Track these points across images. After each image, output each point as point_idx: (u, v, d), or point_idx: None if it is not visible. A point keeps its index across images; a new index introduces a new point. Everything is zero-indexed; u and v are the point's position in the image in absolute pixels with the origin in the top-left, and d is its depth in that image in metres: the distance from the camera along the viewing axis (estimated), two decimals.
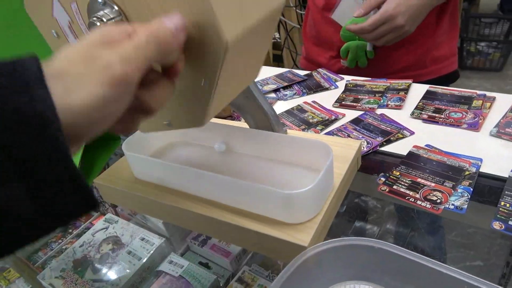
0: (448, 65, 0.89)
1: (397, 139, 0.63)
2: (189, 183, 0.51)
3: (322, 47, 0.96)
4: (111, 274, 0.71)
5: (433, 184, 0.52)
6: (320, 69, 0.93)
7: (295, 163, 0.54)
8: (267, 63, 2.19)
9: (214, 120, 0.68)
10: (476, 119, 0.64)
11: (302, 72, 0.93)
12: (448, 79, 0.91)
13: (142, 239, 0.78)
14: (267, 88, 0.86)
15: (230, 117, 0.76)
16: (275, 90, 0.85)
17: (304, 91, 0.84)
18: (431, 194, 0.51)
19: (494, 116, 0.64)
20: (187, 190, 0.52)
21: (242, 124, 0.65)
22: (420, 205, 0.50)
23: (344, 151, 0.54)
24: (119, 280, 0.71)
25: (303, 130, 0.69)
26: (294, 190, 0.41)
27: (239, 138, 0.58)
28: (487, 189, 0.51)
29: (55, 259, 0.79)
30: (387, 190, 0.53)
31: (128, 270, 0.71)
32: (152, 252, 0.74)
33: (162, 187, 0.54)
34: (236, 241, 0.52)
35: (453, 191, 0.51)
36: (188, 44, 0.30)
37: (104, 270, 0.73)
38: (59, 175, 0.21)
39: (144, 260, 0.72)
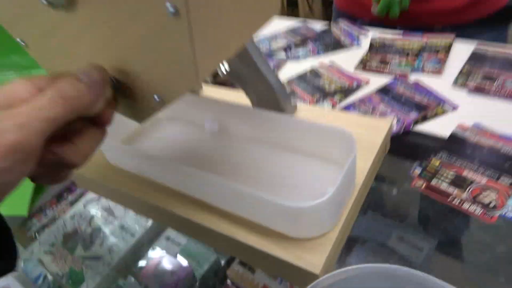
0: None
1: (435, 115, 0.50)
2: (171, 178, 0.40)
3: None
4: (103, 251, 0.64)
5: (484, 180, 0.40)
6: (340, 21, 0.78)
7: (305, 152, 0.42)
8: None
9: (208, 92, 0.55)
10: None
11: (318, 25, 0.78)
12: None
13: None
14: (275, 45, 0.72)
15: (224, 85, 0.64)
16: (285, 48, 0.71)
17: (320, 49, 0.69)
18: (483, 194, 0.39)
19: None
20: (169, 185, 0.41)
21: (239, 95, 0.53)
22: (467, 210, 0.38)
23: (370, 134, 0.42)
24: (110, 258, 0.65)
25: (317, 101, 0.57)
26: (304, 203, 0.30)
27: (235, 117, 0.46)
28: None
29: (47, 227, 0.73)
30: (423, 186, 0.41)
31: (120, 247, 0.64)
32: (147, 227, 0.67)
33: (141, 178, 0.43)
34: (230, 252, 0.42)
35: (511, 191, 0.39)
36: None
37: (96, 246, 0.66)
38: None
39: (138, 236, 0.64)
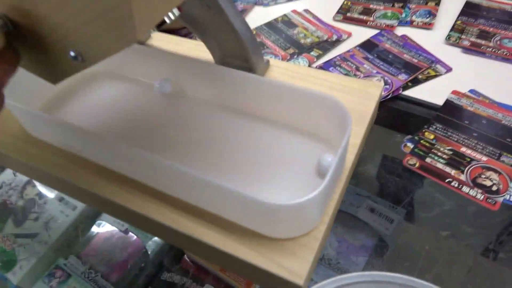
0: None
1: (427, 78, 0.43)
2: (110, 159, 0.31)
3: None
4: (39, 227, 0.56)
5: (484, 159, 0.35)
6: None
7: (282, 123, 0.34)
8: None
9: (158, 42, 0.44)
10: None
11: None
12: None
13: None
14: None
15: (177, 32, 0.53)
16: None
17: None
18: (483, 176, 0.34)
19: None
20: (107, 165, 0.32)
21: (197, 45, 0.43)
22: (467, 193, 0.33)
23: (359, 102, 0.35)
24: (48, 236, 0.57)
25: (291, 56, 0.48)
26: (287, 202, 0.23)
27: (194, 76, 0.37)
28: None
29: None
30: (417, 165, 0.35)
31: (59, 223, 0.56)
32: None
33: (69, 153, 0.34)
34: (191, 250, 0.35)
35: None
36: None
37: (30, 222, 0.57)
38: None
39: (81, 209, 0.56)
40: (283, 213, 0.24)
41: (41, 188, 0.61)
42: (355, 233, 0.42)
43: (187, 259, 0.47)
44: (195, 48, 0.43)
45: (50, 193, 0.60)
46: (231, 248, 0.26)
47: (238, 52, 0.36)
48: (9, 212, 0.59)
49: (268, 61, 0.39)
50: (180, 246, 0.39)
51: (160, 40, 0.44)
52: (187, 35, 0.51)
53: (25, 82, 0.32)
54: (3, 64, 0.20)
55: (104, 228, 0.54)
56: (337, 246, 0.42)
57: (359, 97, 0.35)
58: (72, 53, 0.20)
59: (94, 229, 0.54)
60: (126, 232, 0.55)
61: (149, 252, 0.52)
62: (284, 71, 0.39)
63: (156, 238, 0.52)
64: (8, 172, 0.63)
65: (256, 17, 0.55)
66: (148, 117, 0.37)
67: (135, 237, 0.54)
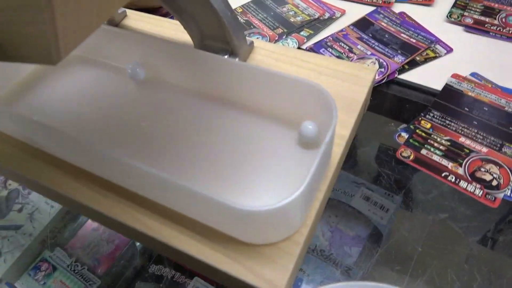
0: None
1: (426, 60, 0.40)
2: (76, 156, 0.28)
3: None
4: (22, 218, 0.53)
5: (485, 150, 0.32)
6: None
7: (264, 112, 0.31)
8: None
9: (131, 21, 0.41)
10: None
11: None
12: None
13: None
14: None
15: (153, 12, 0.49)
16: None
17: None
18: (482, 169, 0.31)
19: None
20: (73, 162, 0.29)
21: (173, 27, 0.39)
22: (465, 189, 0.30)
23: (349, 88, 0.32)
24: (32, 228, 0.54)
25: (280, 36, 0.44)
26: (265, 207, 0.20)
27: (171, 61, 0.33)
28: None
29: None
30: (411, 157, 0.33)
31: (45, 213, 0.53)
32: None
33: (30, 147, 0.31)
34: (163, 253, 0.32)
35: None
36: None
37: (13, 213, 0.54)
38: None
39: None
40: (261, 218, 0.21)
41: None
42: (349, 223, 0.40)
43: None
44: (176, 29, 0.39)
45: None
46: (205, 255, 0.24)
47: (218, 33, 0.33)
48: None
49: (252, 43, 0.36)
50: (155, 251, 0.37)
51: (136, 20, 0.40)
52: (167, 14, 0.47)
53: None
54: None
55: (89, 220, 0.52)
56: (330, 236, 0.40)
57: (350, 83, 0.32)
58: None
59: (80, 220, 0.52)
60: None
61: (136, 244, 0.50)
62: (270, 54, 0.36)
63: None
64: None
65: None
66: (119, 105, 0.34)
67: None
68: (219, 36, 0.33)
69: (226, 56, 0.33)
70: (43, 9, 0.14)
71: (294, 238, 0.24)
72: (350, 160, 0.37)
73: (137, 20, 0.40)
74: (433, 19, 0.44)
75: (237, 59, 0.33)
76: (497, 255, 0.29)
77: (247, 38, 0.35)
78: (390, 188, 0.35)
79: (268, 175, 0.28)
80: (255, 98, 0.31)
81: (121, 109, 0.34)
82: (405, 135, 0.34)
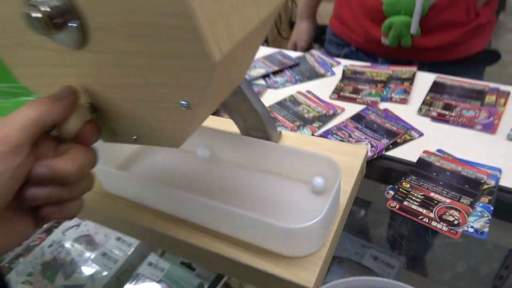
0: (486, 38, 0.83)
1: (404, 142, 0.56)
2: (167, 203, 0.43)
3: (355, 9, 0.86)
4: (85, 279, 0.63)
5: (448, 201, 0.46)
6: (313, 51, 0.84)
7: (293, 177, 0.46)
8: None
9: None
10: (491, 119, 0.57)
11: (294, 54, 0.84)
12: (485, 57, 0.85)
13: (118, 238, 0.71)
14: (255, 73, 0.77)
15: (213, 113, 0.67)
16: (264, 76, 0.76)
17: (297, 78, 0.75)
18: (447, 214, 0.45)
19: (510, 115, 0.58)
20: (166, 210, 0.44)
21: (227, 122, 0.56)
22: (436, 227, 0.44)
23: (349, 160, 0.47)
24: (93, 287, 0.64)
25: (298, 127, 0.61)
26: (299, 225, 0.34)
27: (226, 144, 0.50)
28: (509, 206, 0.45)
29: (22, 257, 0.71)
30: (397, 207, 0.46)
31: (103, 274, 0.64)
32: (129, 253, 0.67)
33: (137, 204, 0.46)
34: (227, 272, 0.45)
35: (471, 210, 0.45)
36: (163, 60, 0.21)
37: (77, 275, 0.65)
38: None
39: (121, 263, 0.65)
40: (298, 235, 0.35)
41: (87, 245, 0.70)
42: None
43: None
44: (226, 122, 0.56)
45: (94, 250, 0.69)
46: (261, 265, 0.37)
47: (258, 125, 0.50)
48: (58, 267, 0.67)
49: (280, 132, 0.52)
50: (224, 272, 0.49)
51: None
52: (214, 113, 0.66)
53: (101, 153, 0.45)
54: (92, 129, 0.30)
55: (141, 279, 0.62)
56: None
57: (350, 157, 0.47)
58: (134, 137, 0.33)
59: (132, 279, 0.61)
60: (160, 282, 0.63)
61: None
62: (293, 139, 0.52)
63: (186, 286, 0.61)
64: (57, 233, 0.73)
65: (269, 98, 0.70)
66: (193, 175, 0.49)
67: (168, 286, 0.62)
68: (258, 127, 0.50)
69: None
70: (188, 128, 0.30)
71: (318, 253, 0.37)
72: (360, 227, 0.50)
73: None
74: (408, 113, 0.61)
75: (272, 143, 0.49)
76: None
77: (277, 128, 0.51)
78: (394, 247, 0.46)
79: (294, 217, 0.42)
80: (287, 168, 0.46)
81: (194, 176, 0.49)
82: (392, 192, 0.48)
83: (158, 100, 0.26)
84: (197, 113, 0.26)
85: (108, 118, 0.33)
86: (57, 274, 0.65)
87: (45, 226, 0.79)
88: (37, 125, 0.26)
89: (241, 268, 0.38)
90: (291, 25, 2.37)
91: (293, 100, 0.68)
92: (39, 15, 0.22)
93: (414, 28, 0.75)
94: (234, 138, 0.49)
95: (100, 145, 0.36)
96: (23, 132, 0.25)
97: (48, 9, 0.23)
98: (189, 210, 0.42)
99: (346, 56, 0.91)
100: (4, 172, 0.24)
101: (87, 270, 0.64)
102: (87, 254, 0.67)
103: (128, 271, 0.65)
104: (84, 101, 0.31)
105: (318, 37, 1.11)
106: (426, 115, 0.60)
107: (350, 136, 0.58)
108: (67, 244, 0.70)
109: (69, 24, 0.24)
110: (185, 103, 0.25)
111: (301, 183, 0.45)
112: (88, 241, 0.71)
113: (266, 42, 2.10)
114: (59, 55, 0.28)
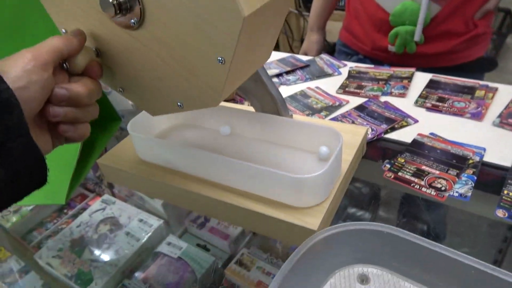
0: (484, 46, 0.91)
1: (401, 127, 0.63)
2: (196, 165, 0.51)
3: (364, 22, 0.95)
4: (109, 254, 0.70)
5: (437, 172, 0.53)
6: (323, 55, 0.93)
7: (302, 148, 0.54)
8: None
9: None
10: (479, 109, 0.64)
11: (305, 58, 0.93)
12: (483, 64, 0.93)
13: (140, 220, 0.77)
14: (269, 72, 0.85)
15: (233, 100, 0.76)
16: (278, 75, 0.85)
17: (307, 76, 0.83)
18: (436, 182, 0.51)
19: (496, 106, 0.65)
20: (193, 173, 0.51)
21: (245, 107, 0.64)
22: (425, 192, 0.50)
23: (351, 137, 0.54)
24: (117, 261, 0.71)
25: (307, 115, 0.69)
26: (305, 175, 0.41)
27: (244, 122, 0.58)
28: (490, 177, 0.52)
29: (51, 238, 0.78)
30: (392, 176, 0.54)
31: (126, 251, 0.70)
32: (150, 233, 0.74)
33: (167, 169, 0.54)
34: (244, 224, 0.52)
35: (457, 179, 0.51)
36: (200, 19, 0.30)
37: (102, 251, 0.72)
38: (23, 144, 0.29)
39: (143, 241, 0.71)
40: (305, 184, 0.42)
41: (112, 225, 0.77)
42: None
43: (227, 279, 0.62)
44: (245, 108, 0.64)
45: (118, 229, 0.75)
46: (275, 214, 0.44)
47: (273, 109, 0.57)
48: (86, 243, 0.74)
49: (292, 115, 0.60)
50: (243, 225, 0.55)
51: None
52: (230, 100, 0.74)
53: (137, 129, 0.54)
54: (97, 66, 0.38)
55: (160, 256, 0.68)
56: None
57: (351, 134, 0.55)
58: (179, 103, 0.41)
59: (152, 257, 0.68)
60: (178, 260, 0.70)
61: (197, 276, 0.66)
62: (303, 119, 0.60)
63: (202, 264, 0.67)
64: (85, 215, 0.80)
65: (282, 92, 0.78)
66: (215, 150, 0.57)
67: (185, 263, 0.68)
68: (273, 110, 0.58)
69: None
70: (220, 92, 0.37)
71: (323, 204, 0.45)
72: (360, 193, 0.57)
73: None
74: (406, 104, 0.69)
75: None
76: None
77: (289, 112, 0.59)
78: (388, 208, 0.54)
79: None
80: (295, 139, 0.54)
81: (217, 150, 0.57)
82: (388, 166, 0.55)
83: (198, 56, 0.34)
84: (231, 70, 0.34)
85: (156, 90, 0.41)
86: (85, 250, 0.72)
87: (72, 211, 0.87)
88: (59, 51, 0.33)
89: (258, 218, 0.46)
90: (302, 42, 2.48)
91: (303, 94, 0.76)
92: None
93: (417, 36, 0.83)
94: (250, 116, 0.57)
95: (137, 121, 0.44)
96: (50, 54, 0.32)
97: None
98: (213, 170, 0.49)
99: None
100: (38, 81, 0.31)
101: (112, 247, 0.71)
102: (112, 233, 0.74)
103: (148, 249, 0.71)
104: (91, 46, 0.39)
105: (328, 51, 1.20)
106: (421, 106, 0.68)
107: (353, 122, 0.65)
108: (94, 225, 0.77)
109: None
110: (220, 58, 0.33)
111: (309, 153, 0.53)
112: (113, 222, 0.78)
113: None
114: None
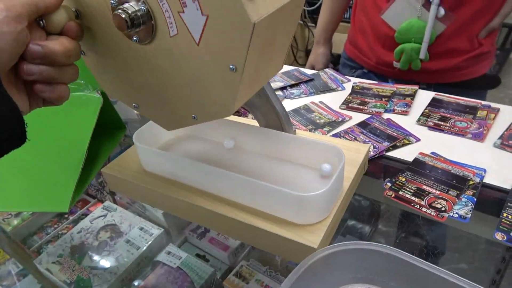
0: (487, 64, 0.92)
1: (403, 145, 0.64)
2: (200, 179, 0.51)
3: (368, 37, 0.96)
4: (109, 262, 0.70)
5: (438, 192, 0.54)
6: (327, 69, 0.94)
7: (304, 165, 0.54)
8: None
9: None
10: (481, 129, 0.65)
11: (309, 72, 0.94)
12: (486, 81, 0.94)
13: (141, 228, 0.78)
14: (273, 85, 0.86)
15: (237, 113, 0.76)
16: (282, 88, 0.86)
17: (311, 91, 0.84)
18: (436, 202, 0.52)
19: (498, 127, 0.65)
20: (197, 186, 0.52)
21: (249, 121, 0.65)
22: (425, 212, 0.51)
23: (353, 154, 0.55)
24: (117, 268, 0.71)
25: (310, 130, 0.70)
26: (308, 193, 0.42)
27: (248, 136, 0.58)
28: (490, 199, 0.52)
29: (51, 244, 0.78)
30: (393, 195, 0.54)
31: (126, 259, 0.71)
32: (150, 242, 0.74)
33: (171, 180, 0.54)
34: (245, 239, 0.53)
35: (457, 200, 0.52)
36: (211, 29, 0.31)
37: (102, 258, 0.72)
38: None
39: (143, 250, 0.72)
40: (307, 202, 0.43)
41: (112, 233, 0.78)
42: None
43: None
44: (249, 122, 0.65)
45: (119, 237, 0.76)
46: (276, 231, 0.45)
47: (277, 124, 0.58)
48: (86, 250, 0.74)
49: (295, 130, 0.61)
50: (244, 240, 0.56)
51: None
52: (235, 112, 0.75)
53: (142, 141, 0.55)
54: (76, 26, 0.35)
55: (160, 265, 0.68)
56: None
57: (353, 152, 0.55)
58: (193, 116, 0.42)
59: (151, 265, 0.68)
60: (177, 269, 0.70)
61: (196, 286, 0.66)
62: (306, 135, 0.60)
63: (201, 275, 0.67)
64: (86, 221, 0.81)
65: (285, 106, 0.78)
66: (218, 163, 0.58)
67: (184, 273, 0.69)
68: (276, 125, 0.58)
69: None
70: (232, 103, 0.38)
71: (323, 222, 0.45)
72: (361, 210, 0.58)
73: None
74: (408, 122, 0.69)
75: None
76: None
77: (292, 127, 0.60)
78: (388, 225, 0.55)
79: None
80: (298, 155, 0.54)
81: (220, 162, 0.58)
82: (389, 184, 0.56)
83: (210, 66, 0.35)
84: (243, 78, 0.35)
85: (171, 104, 0.42)
86: (85, 256, 0.72)
87: (72, 217, 0.88)
88: (34, 4, 0.31)
89: (259, 234, 0.46)
90: (307, 53, 2.51)
91: (307, 108, 0.77)
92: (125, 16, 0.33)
93: (423, 54, 0.84)
94: (255, 130, 0.57)
95: (142, 131, 0.45)
96: (25, 6, 0.31)
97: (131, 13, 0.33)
98: (217, 184, 0.50)
99: (358, 77, 1.01)
100: (10, 33, 0.29)
101: (112, 254, 0.71)
102: (112, 240, 0.74)
103: (148, 258, 0.72)
104: (71, 6, 0.37)
105: (333, 63, 1.22)
106: (423, 124, 0.69)
107: (355, 139, 0.66)
108: (94, 231, 0.77)
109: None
110: (232, 66, 0.34)
111: (311, 169, 0.53)
112: (114, 230, 0.78)
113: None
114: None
